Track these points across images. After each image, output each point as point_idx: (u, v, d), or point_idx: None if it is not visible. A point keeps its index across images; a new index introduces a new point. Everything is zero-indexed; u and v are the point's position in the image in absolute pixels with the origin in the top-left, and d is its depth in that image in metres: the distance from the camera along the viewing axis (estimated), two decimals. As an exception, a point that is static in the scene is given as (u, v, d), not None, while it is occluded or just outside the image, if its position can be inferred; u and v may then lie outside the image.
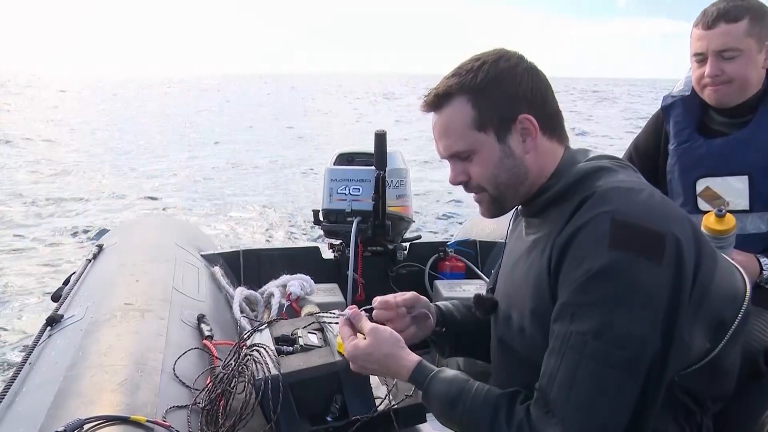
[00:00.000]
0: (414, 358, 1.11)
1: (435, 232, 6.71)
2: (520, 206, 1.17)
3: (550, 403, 0.94)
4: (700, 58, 1.57)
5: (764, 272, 1.47)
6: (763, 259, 1.48)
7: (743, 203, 1.55)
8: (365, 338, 1.14)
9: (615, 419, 0.90)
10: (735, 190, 1.55)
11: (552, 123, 1.10)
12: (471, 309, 1.32)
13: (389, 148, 2.41)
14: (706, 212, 1.57)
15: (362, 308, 1.23)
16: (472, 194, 1.15)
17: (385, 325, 1.17)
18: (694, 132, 1.65)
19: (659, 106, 1.77)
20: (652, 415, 0.92)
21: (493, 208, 1.14)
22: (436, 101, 1.10)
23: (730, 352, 1.03)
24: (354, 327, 1.19)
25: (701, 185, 1.61)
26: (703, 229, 1.39)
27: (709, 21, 1.51)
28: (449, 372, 1.08)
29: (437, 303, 1.35)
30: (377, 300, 1.26)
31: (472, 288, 2.36)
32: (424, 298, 1.31)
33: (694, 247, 0.96)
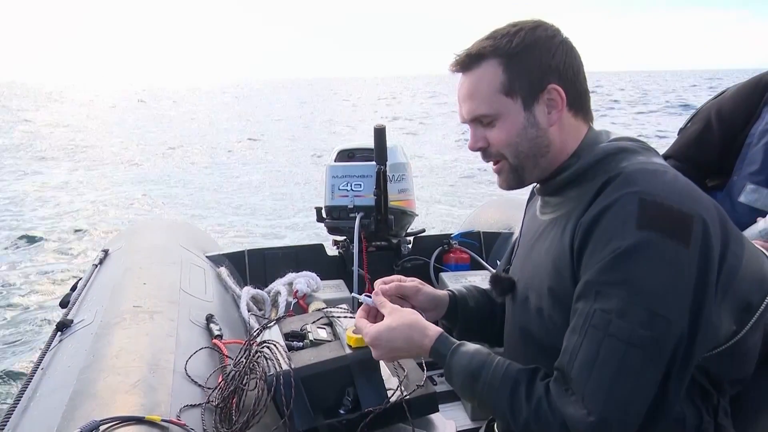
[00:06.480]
0: (436, 329, 1.10)
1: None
2: (537, 185, 1.15)
3: (570, 381, 0.92)
4: None
5: None
6: None
7: None
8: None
9: (636, 399, 0.88)
10: None
11: (580, 101, 1.09)
12: (486, 294, 1.31)
13: (389, 143, 2.42)
14: None
15: (363, 294, 1.26)
16: (491, 164, 1.12)
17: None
18: None
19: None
20: (677, 397, 0.91)
21: (512, 178, 1.11)
22: (467, 61, 1.07)
23: (752, 336, 1.02)
24: (368, 316, 1.21)
25: None
26: None
27: None
28: (471, 345, 1.07)
29: (451, 288, 1.33)
30: (377, 283, 1.27)
31: (478, 279, 2.36)
32: (429, 290, 1.29)
33: (721, 230, 0.95)
